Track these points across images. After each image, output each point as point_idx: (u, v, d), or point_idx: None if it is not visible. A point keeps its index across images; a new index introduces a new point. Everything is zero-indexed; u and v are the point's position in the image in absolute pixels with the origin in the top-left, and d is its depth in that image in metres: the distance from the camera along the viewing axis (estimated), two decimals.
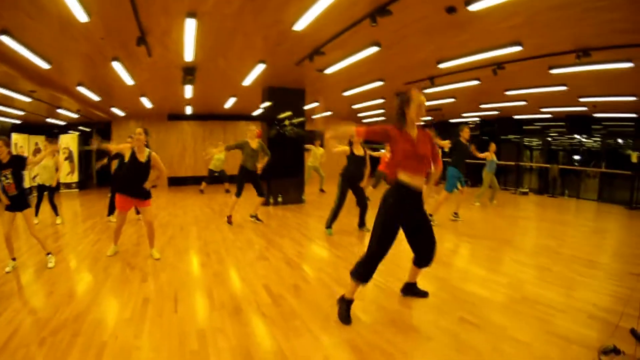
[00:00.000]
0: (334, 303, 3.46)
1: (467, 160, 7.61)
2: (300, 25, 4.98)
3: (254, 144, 6.86)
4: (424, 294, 3.72)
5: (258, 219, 7.33)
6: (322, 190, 12.28)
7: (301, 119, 10.02)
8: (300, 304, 3.55)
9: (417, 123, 3.13)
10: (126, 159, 4.80)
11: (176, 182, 14.72)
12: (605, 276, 4.41)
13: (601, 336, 2.87)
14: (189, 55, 6.21)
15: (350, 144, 6.17)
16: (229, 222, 7.06)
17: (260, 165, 6.98)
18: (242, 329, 3.02)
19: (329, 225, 6.39)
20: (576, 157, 14.21)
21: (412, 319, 3.26)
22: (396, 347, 2.76)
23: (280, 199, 9.66)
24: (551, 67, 6.81)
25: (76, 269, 4.60)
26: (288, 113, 9.67)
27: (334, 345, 2.78)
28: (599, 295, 3.79)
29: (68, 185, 13.13)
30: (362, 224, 6.59)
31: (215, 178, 12.26)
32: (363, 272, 3.13)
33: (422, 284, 3.84)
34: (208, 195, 11.86)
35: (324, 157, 12.06)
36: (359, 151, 6.21)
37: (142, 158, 4.76)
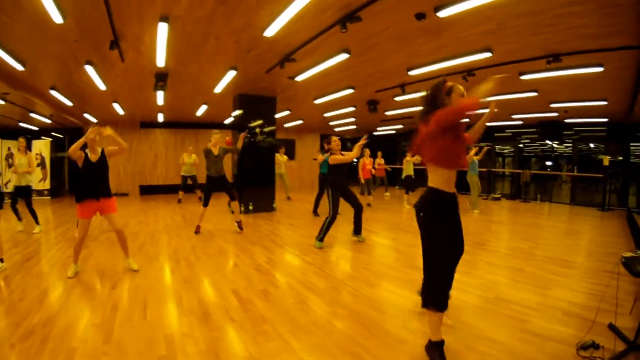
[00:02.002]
0: (303, 308, 3.47)
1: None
2: (271, 31, 4.95)
3: (216, 150, 6.79)
4: None
5: (240, 227, 7.14)
6: (288, 198, 12.40)
7: (272, 128, 9.93)
8: (269, 308, 3.48)
9: None
10: (80, 164, 4.39)
11: (148, 190, 14.46)
12: (579, 275, 4.49)
13: (578, 332, 2.89)
14: (160, 60, 6.09)
15: (329, 150, 5.98)
16: (197, 232, 6.89)
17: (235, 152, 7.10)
18: (211, 334, 2.95)
19: (320, 238, 5.83)
20: (548, 163, 14.51)
21: (384, 323, 3.21)
22: (368, 351, 2.71)
23: (251, 207, 9.55)
24: (522, 73, 6.89)
25: (47, 275, 4.45)
26: (259, 122, 9.62)
27: (304, 350, 2.72)
28: (574, 293, 3.85)
29: (40, 192, 12.74)
30: (358, 231, 6.19)
31: (190, 186, 11.93)
32: (441, 297, 2.54)
33: (395, 288, 3.84)
34: (181, 203, 11.65)
35: (288, 164, 12.27)
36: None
37: (95, 157, 4.42)
